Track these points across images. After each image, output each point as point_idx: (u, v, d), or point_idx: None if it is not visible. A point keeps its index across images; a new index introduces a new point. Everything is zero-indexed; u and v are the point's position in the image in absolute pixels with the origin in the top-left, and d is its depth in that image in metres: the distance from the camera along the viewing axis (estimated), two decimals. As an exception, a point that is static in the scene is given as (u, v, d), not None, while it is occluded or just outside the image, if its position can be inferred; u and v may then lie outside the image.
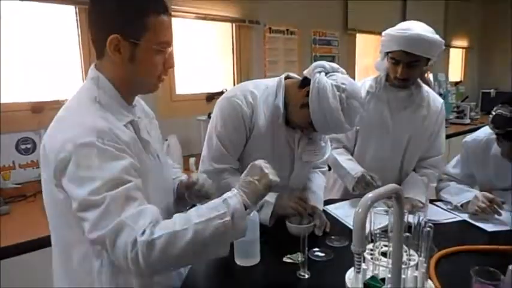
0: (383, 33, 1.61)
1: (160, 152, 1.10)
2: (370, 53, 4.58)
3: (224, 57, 3.29)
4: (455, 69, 6.26)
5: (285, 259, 1.19)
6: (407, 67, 1.55)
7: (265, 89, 1.36)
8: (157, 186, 1.02)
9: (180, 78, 2.93)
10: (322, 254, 1.22)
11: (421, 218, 1.02)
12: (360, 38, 4.41)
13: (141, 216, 0.85)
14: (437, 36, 1.53)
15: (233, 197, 0.92)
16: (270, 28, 3.44)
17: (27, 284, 1.52)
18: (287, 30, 3.58)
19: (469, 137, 1.70)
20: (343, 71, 1.28)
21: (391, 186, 0.76)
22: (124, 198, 0.85)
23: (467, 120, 4.79)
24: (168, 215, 0.96)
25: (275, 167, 1.39)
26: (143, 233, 0.83)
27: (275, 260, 1.19)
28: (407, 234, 0.93)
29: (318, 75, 1.22)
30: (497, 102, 1.38)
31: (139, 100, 1.13)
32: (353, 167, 1.62)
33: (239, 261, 1.18)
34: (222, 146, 1.35)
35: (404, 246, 0.95)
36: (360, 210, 0.70)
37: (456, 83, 5.79)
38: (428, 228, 0.93)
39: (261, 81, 1.42)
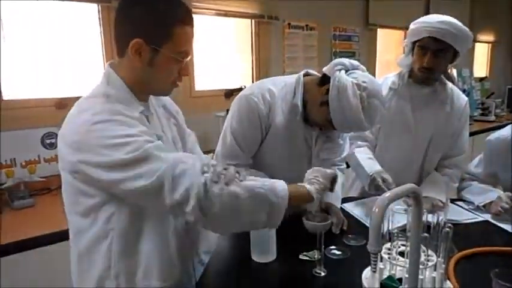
0: (412, 23, 1.59)
1: (175, 149, 1.11)
2: (391, 49, 4.50)
3: (243, 53, 3.29)
4: (481, 65, 6.08)
5: (301, 256, 1.19)
6: (434, 56, 1.53)
7: (284, 87, 1.36)
8: None
9: (199, 75, 2.96)
10: (339, 252, 1.22)
11: (440, 218, 1.00)
12: (381, 33, 4.33)
13: (189, 156, 0.94)
14: (467, 29, 1.52)
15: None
16: (289, 24, 3.42)
17: (50, 275, 1.58)
18: (306, 26, 3.56)
19: (492, 136, 1.65)
20: (364, 68, 1.27)
21: (409, 185, 0.75)
22: (160, 149, 0.90)
23: (492, 118, 4.65)
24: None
25: (292, 165, 1.40)
26: (205, 163, 0.91)
27: (291, 257, 1.20)
28: (426, 234, 0.92)
29: (338, 73, 1.21)
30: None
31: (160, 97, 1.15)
32: (371, 166, 1.60)
33: (255, 258, 1.19)
34: (236, 144, 1.36)
35: (423, 247, 0.93)
36: (377, 210, 0.70)
37: (481, 79, 5.63)
38: (447, 229, 0.92)
39: (279, 78, 1.42)
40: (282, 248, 1.21)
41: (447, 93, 1.66)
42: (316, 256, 1.16)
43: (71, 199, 0.99)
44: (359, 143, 1.68)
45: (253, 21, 3.25)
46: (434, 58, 1.54)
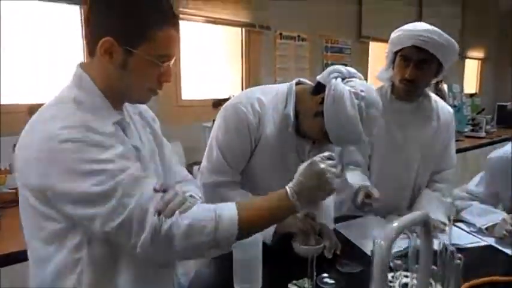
0: (394, 32, 1.50)
1: (153, 162, 0.99)
2: (383, 62, 4.45)
3: (233, 62, 3.20)
4: (471, 81, 6.10)
5: (290, 286, 1.06)
6: (417, 68, 1.42)
7: (275, 96, 1.25)
8: None
9: (186, 83, 2.85)
10: (332, 281, 1.09)
11: (446, 243, 0.89)
12: (374, 46, 4.29)
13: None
14: (452, 40, 1.42)
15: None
16: (280, 34, 3.35)
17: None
18: (298, 36, 3.49)
19: (494, 153, 1.56)
20: (361, 76, 1.17)
21: (419, 213, 0.64)
22: (134, 180, 0.79)
23: (483, 134, 4.61)
24: None
25: (283, 180, 1.28)
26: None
27: (279, 286, 1.07)
28: (434, 267, 0.80)
29: (334, 80, 1.11)
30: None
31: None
32: (357, 180, 1.45)
33: (238, 286, 1.06)
34: (222, 158, 1.24)
35: (431, 281, 0.82)
36: (383, 243, 0.58)
37: (471, 95, 5.62)
38: (458, 261, 0.80)
39: (270, 86, 1.31)
40: (268, 275, 1.08)
41: (432, 107, 1.57)
42: (306, 285, 1.04)
43: (31, 222, 0.85)
44: (350, 167, 1.55)
45: (243, 30, 3.16)
46: (417, 70, 1.42)
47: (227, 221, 0.83)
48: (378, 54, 4.40)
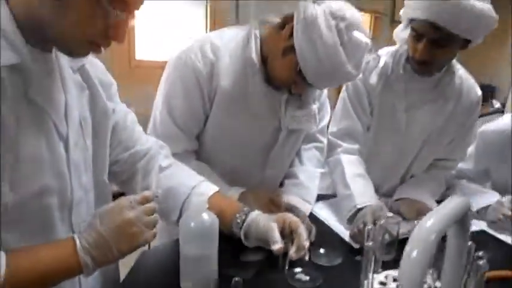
0: None
1: (78, 136, 0.70)
2: None
3: (195, 18, 2.87)
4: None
5: (253, 284, 0.84)
6: (431, 46, 1.07)
7: (234, 37, 1.00)
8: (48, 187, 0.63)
9: (141, 41, 2.50)
10: (306, 278, 0.88)
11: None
12: None
13: None
14: (488, 6, 1.03)
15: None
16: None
17: None
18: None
19: (487, 126, 1.37)
20: None
21: (459, 202, 0.42)
22: None
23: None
24: None
25: (252, 142, 1.04)
26: None
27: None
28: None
29: (303, 2, 0.88)
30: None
31: (90, 60, 0.75)
32: (362, 193, 1.12)
33: (186, 285, 0.82)
34: (171, 121, 0.98)
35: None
36: (416, 254, 0.34)
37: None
38: (480, 262, 0.60)
39: (229, 29, 1.05)
40: (226, 269, 0.85)
41: (454, 86, 1.22)
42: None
43: None
44: (345, 145, 1.24)
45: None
46: (431, 48, 1.07)
47: None
48: None
